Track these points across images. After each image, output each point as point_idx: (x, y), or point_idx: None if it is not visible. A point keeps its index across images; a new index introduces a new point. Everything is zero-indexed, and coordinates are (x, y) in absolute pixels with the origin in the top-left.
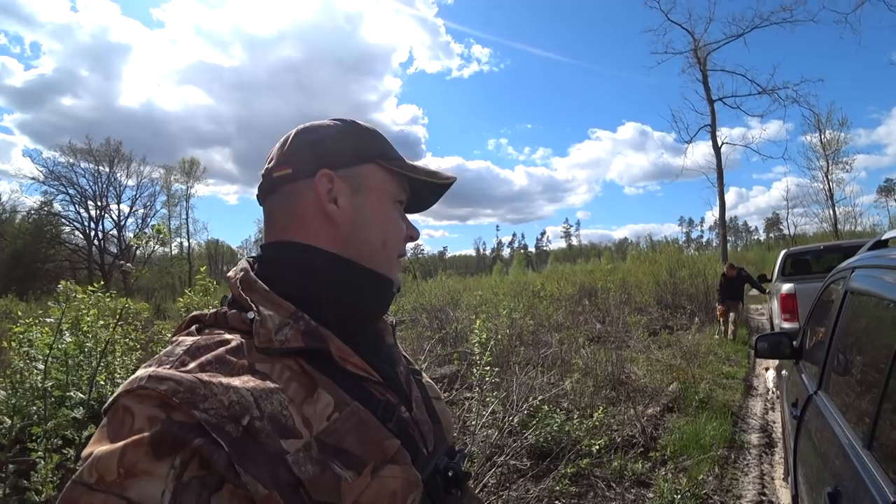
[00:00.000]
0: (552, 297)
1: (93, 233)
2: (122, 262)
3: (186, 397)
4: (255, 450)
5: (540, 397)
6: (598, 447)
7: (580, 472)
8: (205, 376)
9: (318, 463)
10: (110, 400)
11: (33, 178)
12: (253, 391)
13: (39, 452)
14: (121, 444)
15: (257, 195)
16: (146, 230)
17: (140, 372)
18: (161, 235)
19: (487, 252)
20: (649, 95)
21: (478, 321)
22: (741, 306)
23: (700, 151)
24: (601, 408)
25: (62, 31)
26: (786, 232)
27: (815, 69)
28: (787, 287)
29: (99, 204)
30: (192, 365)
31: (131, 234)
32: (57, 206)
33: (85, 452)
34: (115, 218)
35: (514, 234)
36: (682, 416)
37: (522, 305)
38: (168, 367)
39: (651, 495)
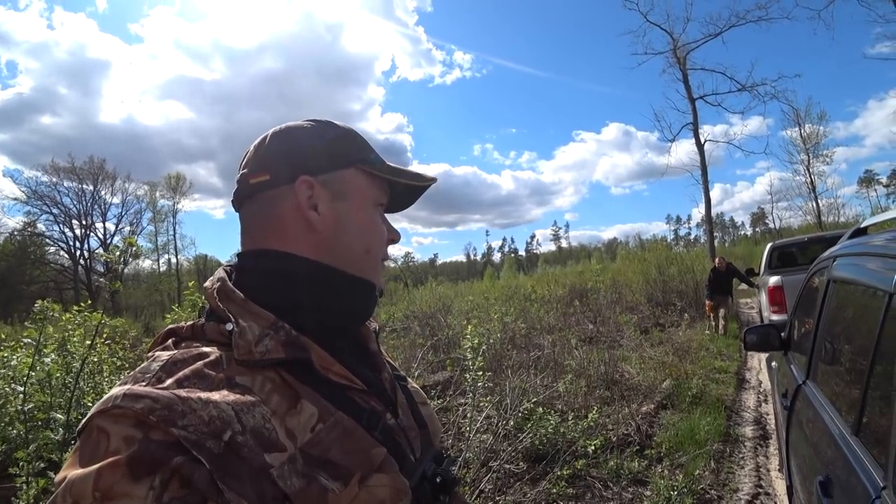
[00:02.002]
0: (543, 299)
1: (78, 252)
2: (101, 279)
3: (164, 415)
4: (238, 465)
5: (534, 400)
6: (593, 447)
7: (576, 473)
8: (182, 392)
9: (304, 476)
10: (84, 421)
11: (15, 199)
12: (234, 405)
13: (22, 477)
14: (96, 466)
15: (233, 201)
16: (118, 244)
17: (115, 390)
18: (133, 248)
19: (478, 257)
20: (632, 96)
21: (469, 326)
22: (731, 300)
23: (684, 149)
24: (595, 408)
25: (39, 50)
26: (771, 226)
27: (791, 65)
28: (774, 280)
29: (84, 223)
30: (168, 381)
31: (103, 251)
32: (41, 227)
33: (59, 477)
34: (101, 236)
35: (503, 239)
36: (676, 412)
37: (514, 309)
38: (144, 384)
39: (648, 493)
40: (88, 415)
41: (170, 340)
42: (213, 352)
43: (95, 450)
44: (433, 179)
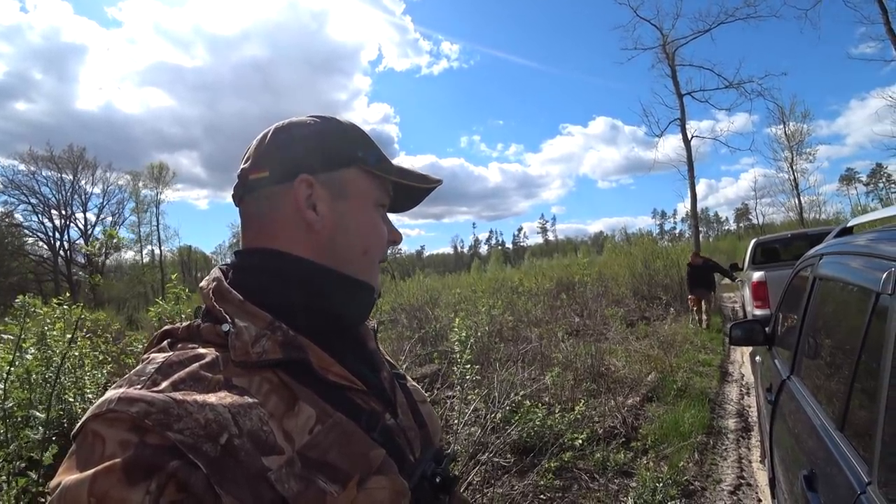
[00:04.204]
0: (530, 292)
1: (58, 243)
2: (80, 273)
3: (159, 418)
4: (235, 469)
5: (521, 393)
6: (580, 440)
7: (564, 465)
8: (178, 395)
9: (302, 479)
10: (78, 425)
11: None
12: (230, 407)
13: (2, 477)
14: (91, 471)
15: (233, 196)
16: (98, 237)
17: (109, 394)
18: (115, 240)
19: (465, 250)
20: (619, 90)
21: (457, 319)
22: (713, 295)
23: (670, 145)
24: (582, 400)
25: (12, 33)
26: (755, 221)
27: (778, 63)
28: (757, 275)
29: (63, 213)
30: (164, 384)
31: (82, 243)
32: (18, 217)
33: (53, 483)
34: (82, 227)
35: (490, 231)
36: (661, 404)
37: (501, 302)
38: (139, 387)
39: (634, 484)
40: (83, 419)
41: (165, 342)
42: (209, 353)
43: (90, 454)
44: (438, 181)
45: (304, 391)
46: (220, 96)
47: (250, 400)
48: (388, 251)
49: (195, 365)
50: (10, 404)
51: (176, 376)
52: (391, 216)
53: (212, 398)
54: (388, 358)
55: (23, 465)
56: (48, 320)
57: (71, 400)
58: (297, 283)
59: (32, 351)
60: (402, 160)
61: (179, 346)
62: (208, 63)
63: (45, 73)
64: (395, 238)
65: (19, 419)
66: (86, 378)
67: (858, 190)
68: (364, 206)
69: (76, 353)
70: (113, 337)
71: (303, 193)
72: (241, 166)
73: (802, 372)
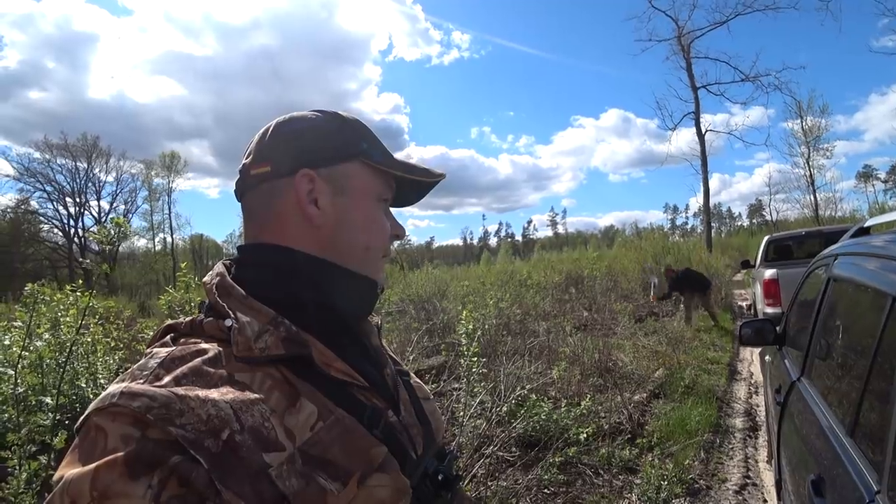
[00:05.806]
0: (539, 285)
1: (72, 230)
2: (87, 262)
3: (161, 413)
4: (236, 465)
5: (528, 386)
6: (585, 435)
7: (568, 460)
8: (180, 390)
9: (303, 476)
10: (81, 419)
11: (7, 176)
12: (232, 403)
13: (14, 461)
14: (93, 465)
15: (235, 191)
16: (106, 225)
17: (112, 388)
18: (121, 229)
19: (474, 241)
20: (632, 82)
21: (464, 311)
22: (709, 294)
23: (684, 138)
24: (588, 395)
25: (24, 22)
26: (768, 218)
27: (796, 56)
28: (769, 273)
29: (78, 200)
30: (166, 379)
31: (93, 230)
32: (34, 204)
33: (56, 476)
34: (95, 214)
35: (500, 223)
36: (668, 401)
37: (509, 295)
38: (141, 381)
39: (638, 481)
40: (86, 412)
41: (168, 336)
42: (212, 348)
43: (93, 448)
44: (441, 176)
45: (306, 387)
46: (230, 85)
47: (252, 396)
48: (393, 245)
49: (198, 360)
50: (22, 389)
51: (178, 371)
52: (395, 210)
53: (214, 394)
54: (392, 354)
55: (34, 449)
56: (61, 307)
57: (83, 385)
58: (299, 279)
59: (46, 336)
60: (413, 151)
61: (182, 340)
62: (218, 52)
63: (58, 62)
64: (399, 233)
65: (32, 403)
66: (98, 364)
67: (876, 187)
68: (366, 200)
69: (88, 340)
70: (125, 324)
71: (304, 188)
72: (243, 161)
73: (813, 374)
